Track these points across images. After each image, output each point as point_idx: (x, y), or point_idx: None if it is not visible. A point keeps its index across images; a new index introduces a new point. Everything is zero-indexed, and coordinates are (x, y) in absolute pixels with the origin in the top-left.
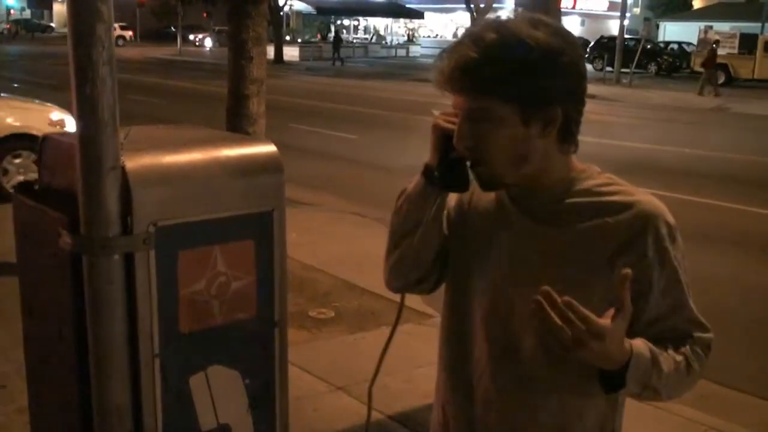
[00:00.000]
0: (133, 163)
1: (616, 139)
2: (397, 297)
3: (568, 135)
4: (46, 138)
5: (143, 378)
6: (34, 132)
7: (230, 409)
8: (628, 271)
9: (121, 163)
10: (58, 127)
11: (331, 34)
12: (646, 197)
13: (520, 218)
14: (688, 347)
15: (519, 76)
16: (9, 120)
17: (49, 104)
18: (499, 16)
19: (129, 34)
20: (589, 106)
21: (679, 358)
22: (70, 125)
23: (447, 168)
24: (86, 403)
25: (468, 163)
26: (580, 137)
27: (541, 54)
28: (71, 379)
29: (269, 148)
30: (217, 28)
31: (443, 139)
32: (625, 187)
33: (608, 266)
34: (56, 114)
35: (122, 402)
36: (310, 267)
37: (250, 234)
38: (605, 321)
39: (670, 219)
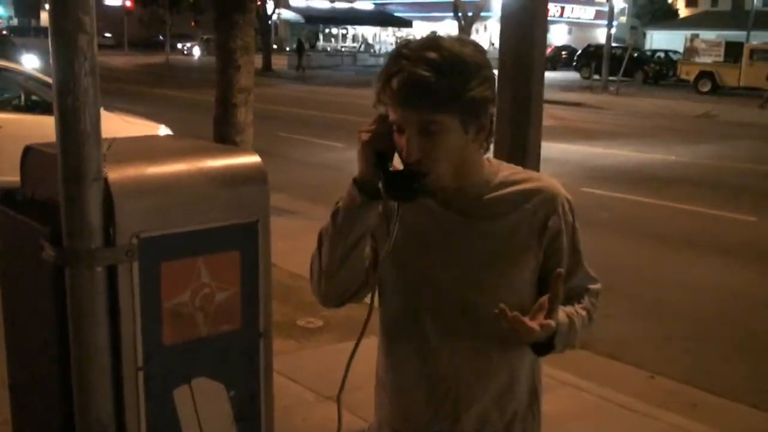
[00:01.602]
0: (116, 174)
1: (604, 146)
2: None
3: (489, 137)
4: (28, 149)
5: (126, 391)
6: None
7: (215, 422)
8: (561, 270)
9: (104, 174)
10: None
11: (320, 43)
12: (549, 180)
13: (450, 217)
14: (587, 300)
15: (464, 90)
16: (124, 135)
17: (155, 123)
18: (425, 36)
19: None
20: (577, 113)
21: (584, 312)
22: None
23: (391, 181)
24: (69, 417)
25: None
26: (566, 144)
27: (476, 68)
28: (54, 392)
29: (253, 159)
30: (205, 36)
31: (376, 154)
32: (529, 173)
33: (536, 242)
34: (163, 130)
35: (105, 415)
36: (297, 276)
37: (235, 245)
38: (533, 323)
39: (569, 195)
